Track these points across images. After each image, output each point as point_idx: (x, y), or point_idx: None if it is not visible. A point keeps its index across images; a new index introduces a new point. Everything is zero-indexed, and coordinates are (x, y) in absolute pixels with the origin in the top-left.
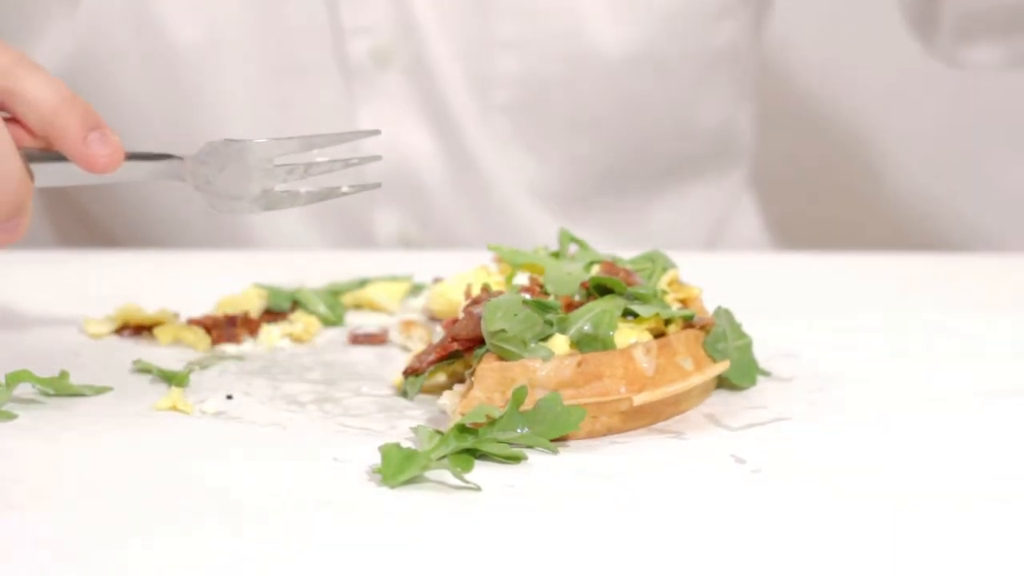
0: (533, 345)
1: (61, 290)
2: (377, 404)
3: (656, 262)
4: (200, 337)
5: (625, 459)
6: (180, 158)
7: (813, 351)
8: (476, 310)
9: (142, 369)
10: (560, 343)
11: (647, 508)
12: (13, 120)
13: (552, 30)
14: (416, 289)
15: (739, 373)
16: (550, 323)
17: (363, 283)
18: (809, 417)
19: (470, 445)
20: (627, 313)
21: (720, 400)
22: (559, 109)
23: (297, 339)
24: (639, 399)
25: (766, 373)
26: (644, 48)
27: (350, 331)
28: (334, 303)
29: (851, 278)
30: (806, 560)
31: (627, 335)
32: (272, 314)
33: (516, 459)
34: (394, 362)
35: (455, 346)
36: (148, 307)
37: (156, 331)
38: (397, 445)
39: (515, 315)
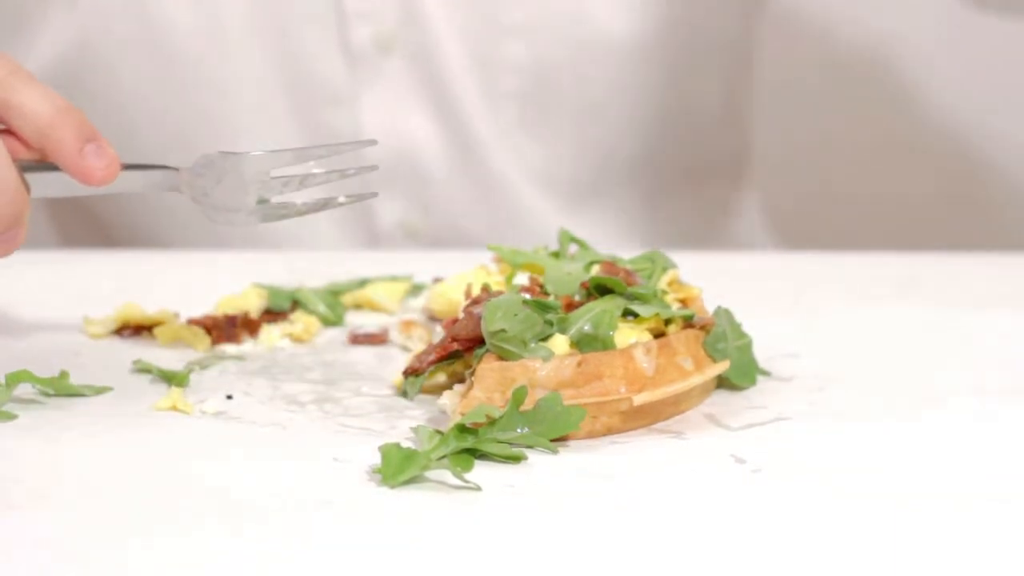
0: (533, 345)
1: (61, 290)
2: (377, 404)
3: (656, 262)
4: (200, 337)
5: (625, 459)
6: (176, 169)
7: (813, 351)
8: (476, 310)
9: (142, 369)
10: (560, 343)
11: (647, 508)
12: (8, 132)
13: (559, 16)
14: (416, 289)
15: (739, 373)
16: (550, 323)
17: (363, 283)
18: (809, 417)
19: (470, 445)
20: (627, 313)
21: (720, 400)
22: (565, 96)
23: (297, 339)
24: (639, 399)
25: (766, 373)
26: (652, 34)
27: (350, 331)
28: (334, 303)
29: (851, 278)
30: (806, 560)
31: (627, 335)
32: (272, 314)
33: (516, 459)
34: (394, 362)
35: (455, 346)
36: (148, 307)
37: (156, 331)
38: (397, 445)
39: (515, 315)
